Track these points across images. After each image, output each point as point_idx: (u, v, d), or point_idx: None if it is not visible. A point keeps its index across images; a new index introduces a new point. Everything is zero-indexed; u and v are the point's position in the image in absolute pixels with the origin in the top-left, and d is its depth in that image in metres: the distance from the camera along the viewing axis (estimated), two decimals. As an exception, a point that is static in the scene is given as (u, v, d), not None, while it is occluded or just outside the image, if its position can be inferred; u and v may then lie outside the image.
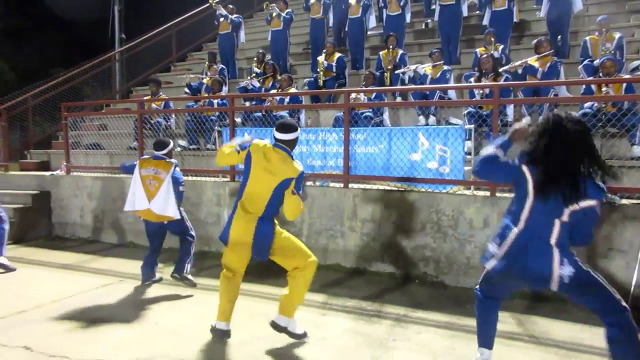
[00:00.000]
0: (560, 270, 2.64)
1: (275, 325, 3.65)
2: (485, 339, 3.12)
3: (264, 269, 5.73)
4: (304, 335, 3.72)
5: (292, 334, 3.68)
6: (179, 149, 7.94)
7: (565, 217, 2.65)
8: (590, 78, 6.35)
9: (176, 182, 4.95)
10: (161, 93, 8.82)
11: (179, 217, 4.93)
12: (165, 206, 4.82)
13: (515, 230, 2.75)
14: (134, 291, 4.98)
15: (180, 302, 4.66)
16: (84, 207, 7.51)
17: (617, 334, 2.62)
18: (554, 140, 2.62)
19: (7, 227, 5.84)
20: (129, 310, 4.46)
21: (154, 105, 8.22)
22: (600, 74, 5.85)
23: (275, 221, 3.67)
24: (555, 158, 2.61)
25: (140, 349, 3.62)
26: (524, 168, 2.73)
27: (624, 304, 2.63)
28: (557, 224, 2.67)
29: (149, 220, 4.97)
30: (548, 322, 4.10)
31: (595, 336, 3.79)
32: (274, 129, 3.63)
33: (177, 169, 5.02)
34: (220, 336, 3.73)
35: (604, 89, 5.72)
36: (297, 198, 3.52)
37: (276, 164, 3.50)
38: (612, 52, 6.60)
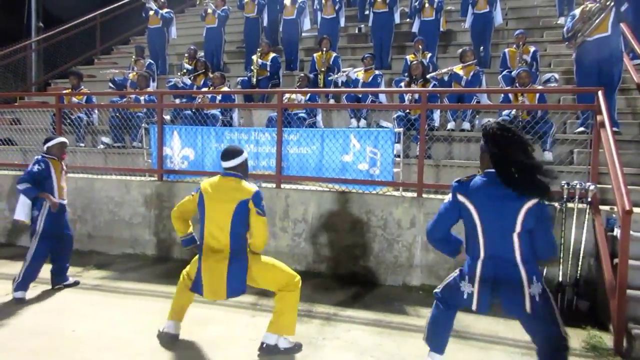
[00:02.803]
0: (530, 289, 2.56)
1: (264, 345, 3.49)
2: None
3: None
4: (296, 348, 3.58)
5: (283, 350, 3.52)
6: (102, 146, 7.51)
7: (519, 228, 2.54)
8: (508, 87, 6.81)
9: None
10: (83, 87, 8.31)
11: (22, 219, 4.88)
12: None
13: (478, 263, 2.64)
14: (48, 297, 4.65)
15: (97, 308, 4.39)
16: (-7, 207, 6.88)
17: None
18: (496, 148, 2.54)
19: None
20: (44, 317, 4.14)
21: (74, 100, 7.72)
22: (517, 84, 6.29)
23: (248, 251, 3.48)
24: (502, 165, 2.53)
25: (58, 359, 3.39)
26: (461, 198, 2.66)
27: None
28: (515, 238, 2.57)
29: None
30: (467, 316, 4.30)
31: (508, 328, 4.07)
32: (220, 158, 3.50)
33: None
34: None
35: (520, 98, 6.15)
36: (264, 219, 3.43)
37: (228, 191, 3.38)
38: (528, 64, 7.12)
